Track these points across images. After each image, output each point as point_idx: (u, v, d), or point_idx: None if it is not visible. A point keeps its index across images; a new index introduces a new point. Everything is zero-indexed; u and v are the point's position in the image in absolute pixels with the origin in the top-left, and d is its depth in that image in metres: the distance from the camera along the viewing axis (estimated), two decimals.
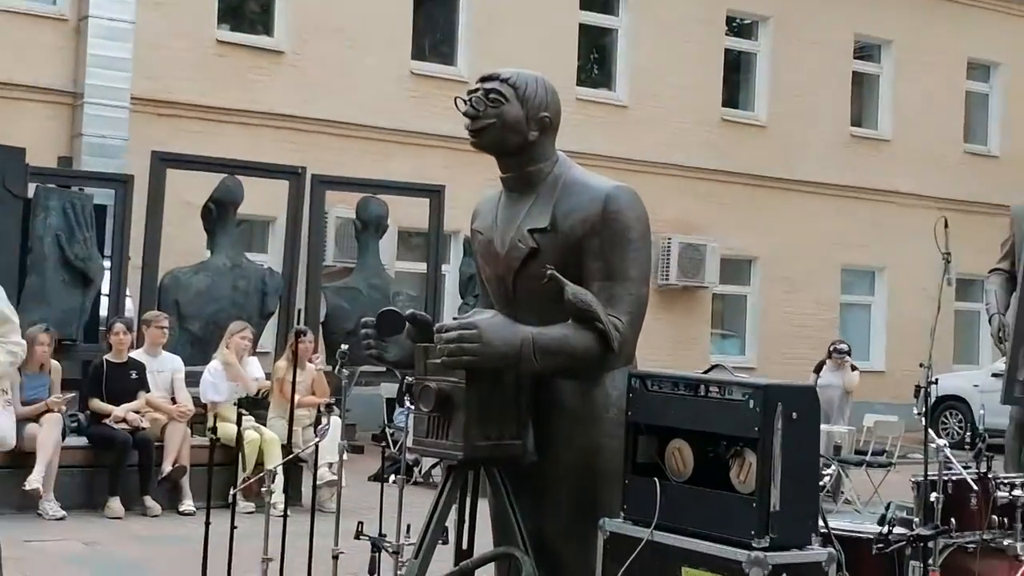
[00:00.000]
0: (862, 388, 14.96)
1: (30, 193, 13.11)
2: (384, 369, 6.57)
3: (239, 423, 7.50)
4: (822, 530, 4.61)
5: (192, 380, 11.52)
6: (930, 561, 5.57)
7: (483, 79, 4.96)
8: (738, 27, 22.33)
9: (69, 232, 13.05)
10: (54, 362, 10.71)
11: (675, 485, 4.49)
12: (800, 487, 4.35)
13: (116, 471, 10.40)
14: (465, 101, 4.92)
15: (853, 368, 14.73)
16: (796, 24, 22.13)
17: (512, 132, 4.86)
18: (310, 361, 11.68)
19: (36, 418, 10.19)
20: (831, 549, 4.45)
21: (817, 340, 20.51)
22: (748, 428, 4.28)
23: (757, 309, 22.01)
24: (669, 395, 4.56)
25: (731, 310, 22.41)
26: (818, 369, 15.00)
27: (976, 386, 18.79)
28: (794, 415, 4.29)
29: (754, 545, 4.19)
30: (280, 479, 9.64)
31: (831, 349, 15.13)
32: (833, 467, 12.28)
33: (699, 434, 4.48)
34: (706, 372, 4.72)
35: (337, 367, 6.62)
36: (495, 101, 4.86)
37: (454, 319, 4.86)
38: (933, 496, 5.74)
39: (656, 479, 4.49)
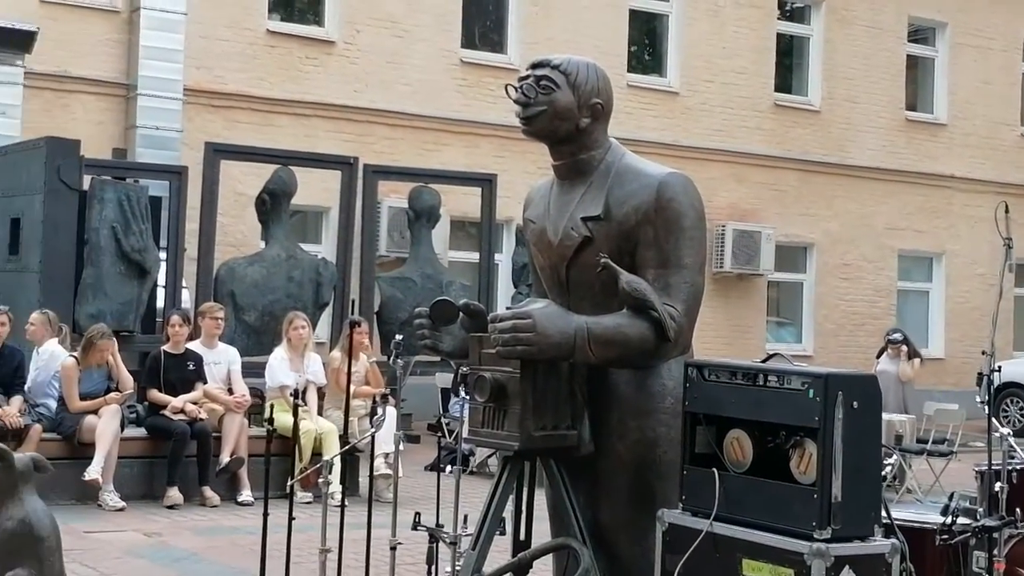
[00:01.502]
0: (921, 376, 14.77)
1: (85, 185, 13.22)
2: (439, 359, 6.55)
3: (295, 414, 7.49)
4: (885, 521, 4.56)
5: (249, 370, 11.57)
6: (995, 552, 5.49)
7: (534, 65, 4.93)
8: (790, 11, 22.13)
9: (125, 224, 13.13)
10: (116, 357, 10.77)
11: (734, 476, 4.44)
12: (862, 477, 4.28)
13: (175, 462, 10.46)
14: (516, 88, 4.89)
15: (912, 356, 14.54)
16: (849, 7, 21.92)
17: (563, 119, 4.82)
18: (364, 352, 11.69)
19: (95, 412, 10.27)
20: (894, 540, 4.39)
21: (875, 327, 20.40)
22: (808, 418, 4.22)
23: (813, 296, 21.82)
24: (727, 384, 4.50)
25: (787, 298, 22.23)
26: (880, 356, 14.91)
27: None
28: (855, 404, 4.23)
29: (816, 536, 4.14)
30: (337, 470, 9.66)
31: (886, 338, 15.04)
32: (895, 457, 12.16)
33: (758, 424, 4.43)
34: (764, 361, 4.67)
35: (392, 357, 6.61)
36: (546, 88, 4.82)
37: (508, 309, 4.83)
38: (997, 486, 5.67)
39: (715, 470, 4.44)
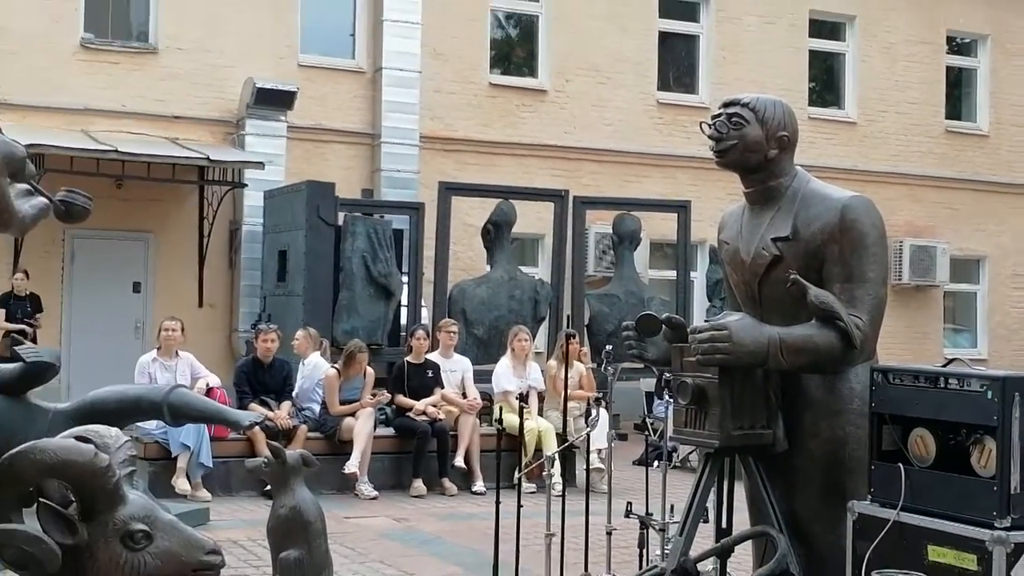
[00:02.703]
0: None
1: (340, 221, 13.58)
2: (643, 366, 6.51)
3: (520, 415, 7.53)
4: None
5: (479, 377, 11.68)
6: None
7: (725, 104, 4.87)
8: (958, 45, 21.32)
9: (373, 253, 13.46)
10: (369, 369, 11.00)
11: (918, 470, 4.29)
12: None
13: (418, 457, 10.61)
14: (710, 125, 4.83)
15: None
16: (1013, 41, 21.02)
17: (753, 151, 4.75)
18: (578, 360, 11.68)
19: (353, 414, 10.50)
20: None
21: None
22: (987, 417, 4.07)
23: (987, 305, 20.94)
24: (911, 387, 4.36)
25: (962, 306, 21.35)
26: None
27: None
28: None
29: (996, 525, 3.99)
30: (557, 464, 9.66)
31: None
32: None
33: (940, 423, 4.28)
34: (945, 365, 4.50)
35: (603, 365, 6.60)
36: (737, 124, 4.76)
37: (706, 321, 4.77)
38: None
39: (901, 465, 4.31)
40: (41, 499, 2.75)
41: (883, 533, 4.25)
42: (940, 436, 4.28)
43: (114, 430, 2.99)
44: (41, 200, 2.63)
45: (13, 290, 13.62)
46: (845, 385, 4.62)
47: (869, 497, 4.41)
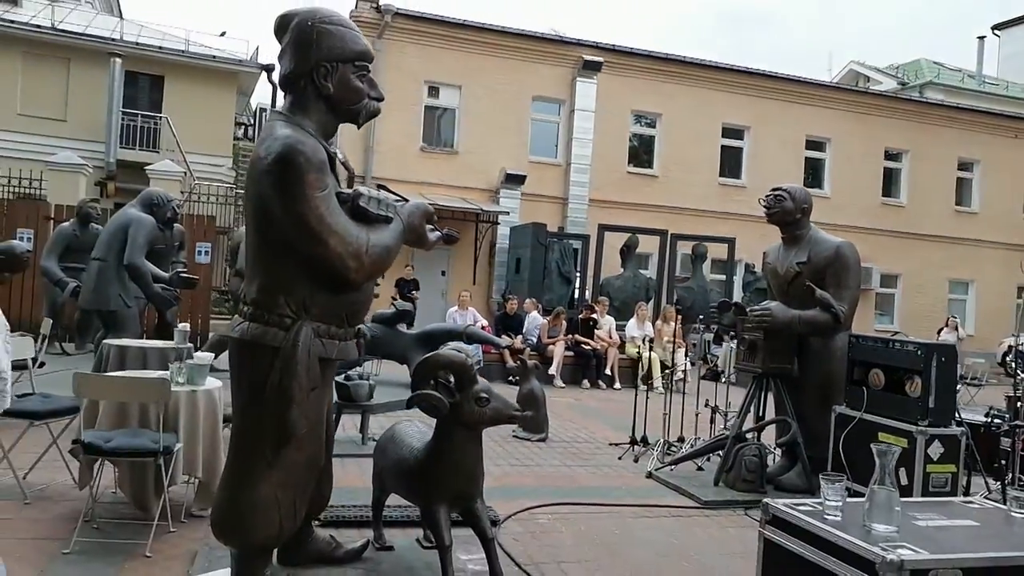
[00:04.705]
0: (963, 343, 12.92)
1: (547, 243, 13.71)
2: (702, 325, 6.45)
3: (650, 350, 7.53)
4: (957, 419, 4.16)
5: (617, 328, 11.58)
6: (1016, 438, 4.85)
7: (773, 189, 4.86)
8: (891, 155, 19.84)
9: (562, 260, 13.54)
10: (564, 321, 11.09)
11: (874, 391, 4.21)
12: (944, 395, 3.99)
13: (586, 367, 10.60)
14: (764, 199, 4.81)
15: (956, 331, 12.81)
16: (926, 153, 19.49)
17: (788, 215, 4.73)
18: (672, 320, 11.51)
19: (553, 344, 10.60)
20: (963, 428, 4.01)
21: (935, 317, 18.06)
22: (916, 364, 3.99)
23: (900, 301, 19.55)
24: (872, 345, 4.27)
25: (885, 301, 19.96)
26: (939, 332, 13.24)
27: None
28: (942, 359, 3.97)
29: (919, 424, 3.88)
30: (660, 377, 9.60)
31: (947, 319, 13.36)
32: (959, 386, 10.76)
33: (888, 367, 4.18)
34: (893, 335, 4.37)
35: (697, 326, 6.54)
36: (779, 199, 4.74)
37: (753, 305, 4.74)
38: (1019, 404, 5.01)
39: (864, 388, 4.22)
40: (438, 379, 3.01)
41: (852, 425, 4.19)
42: (888, 373, 4.19)
43: (470, 347, 3.23)
44: (436, 232, 2.86)
45: (404, 276, 13.83)
46: (834, 343, 4.56)
47: (845, 404, 4.34)
